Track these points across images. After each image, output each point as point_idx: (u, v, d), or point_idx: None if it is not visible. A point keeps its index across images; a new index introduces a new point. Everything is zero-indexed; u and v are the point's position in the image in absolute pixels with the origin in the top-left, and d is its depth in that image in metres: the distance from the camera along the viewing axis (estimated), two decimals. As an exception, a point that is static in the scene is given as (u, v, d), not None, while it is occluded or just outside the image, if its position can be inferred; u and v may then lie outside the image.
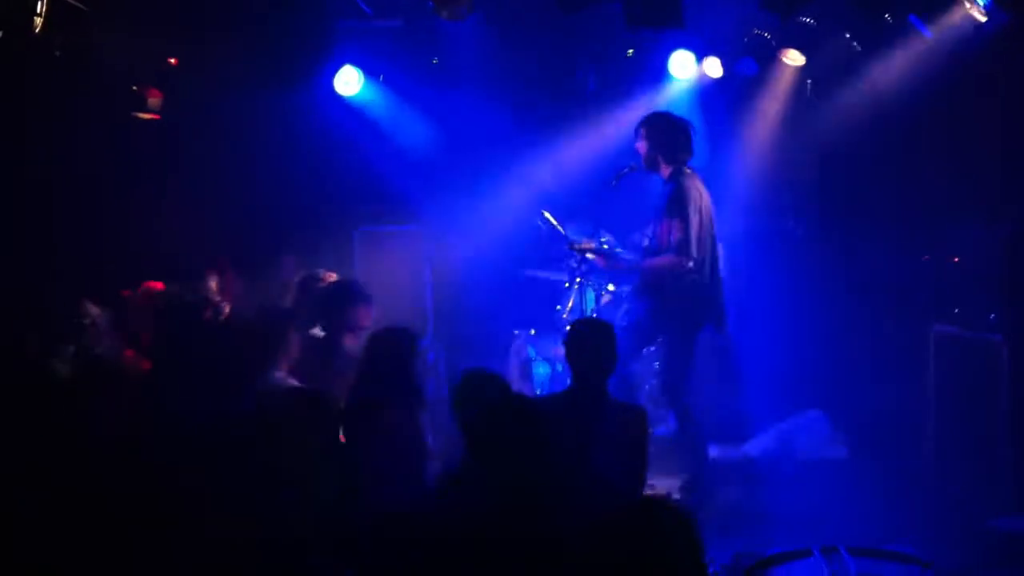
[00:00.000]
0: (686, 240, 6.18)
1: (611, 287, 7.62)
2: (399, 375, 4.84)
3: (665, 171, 6.40)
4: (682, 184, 6.27)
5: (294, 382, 5.07)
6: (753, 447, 7.38)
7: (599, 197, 7.18)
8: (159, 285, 6.34)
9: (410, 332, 5.05)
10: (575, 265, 7.29)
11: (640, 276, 6.61)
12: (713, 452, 6.83)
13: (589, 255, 6.92)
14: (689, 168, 6.41)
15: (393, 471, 4.44)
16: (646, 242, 6.62)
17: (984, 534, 5.69)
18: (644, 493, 4.71)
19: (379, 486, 4.25)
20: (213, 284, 7.00)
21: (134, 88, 7.47)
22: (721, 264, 6.50)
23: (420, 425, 4.82)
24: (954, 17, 6.64)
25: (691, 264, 6.21)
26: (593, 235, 7.18)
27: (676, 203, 6.23)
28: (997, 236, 6.69)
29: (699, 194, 6.31)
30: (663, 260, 6.31)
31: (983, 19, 6.50)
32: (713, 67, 8.02)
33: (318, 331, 5.95)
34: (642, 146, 6.45)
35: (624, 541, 2.74)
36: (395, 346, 4.94)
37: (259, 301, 6.39)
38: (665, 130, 6.41)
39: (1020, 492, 6.02)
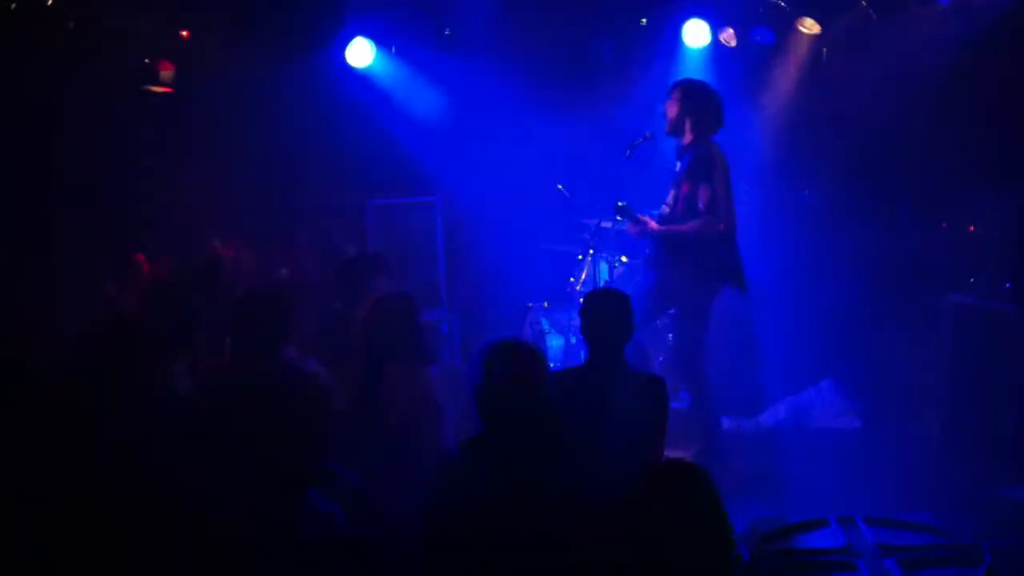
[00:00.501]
0: (715, 202, 6.15)
1: (624, 258, 7.61)
2: (404, 338, 4.83)
3: (688, 137, 6.37)
4: (706, 149, 6.25)
5: (310, 362, 5.05)
6: (767, 417, 7.39)
7: (613, 167, 7.16)
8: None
9: (410, 297, 5.04)
10: (588, 236, 7.30)
11: (658, 244, 6.55)
12: (727, 423, 6.84)
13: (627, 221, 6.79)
14: (717, 141, 6.39)
15: (405, 433, 4.44)
16: (666, 209, 6.57)
17: (996, 503, 5.71)
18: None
19: (392, 456, 4.27)
20: (221, 255, 7.00)
21: (146, 61, 7.46)
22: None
23: (429, 385, 4.80)
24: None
25: (722, 227, 6.17)
26: (609, 204, 7.16)
27: (702, 167, 6.20)
28: (1012, 204, 6.64)
29: (722, 160, 6.29)
30: (695, 224, 6.24)
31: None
32: (728, 36, 7.97)
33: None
34: (672, 108, 6.38)
35: (649, 503, 2.76)
36: (397, 311, 4.93)
37: (272, 275, 6.40)
38: (699, 97, 6.36)
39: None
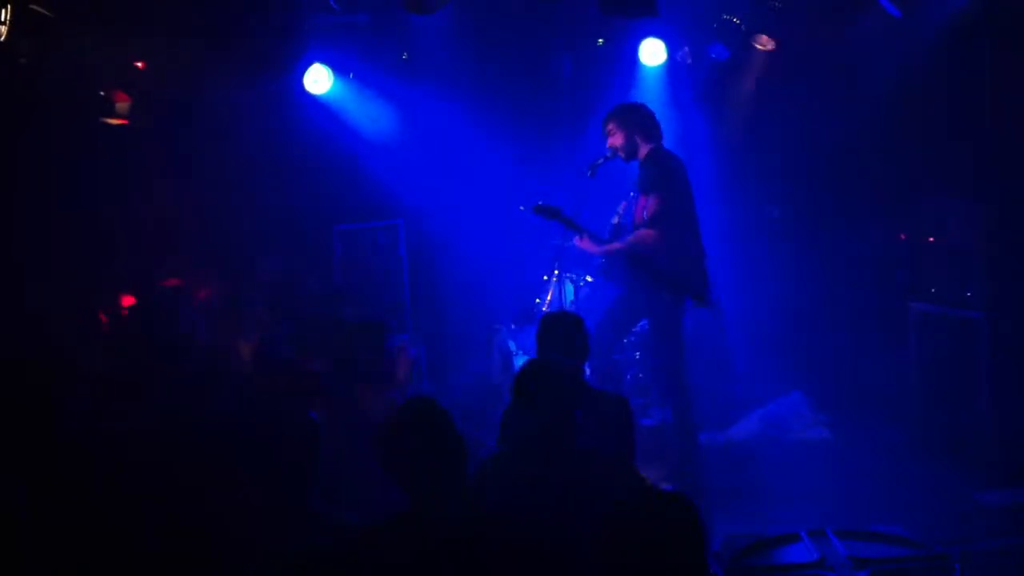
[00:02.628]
0: (661, 213, 6.20)
1: (589, 278, 7.61)
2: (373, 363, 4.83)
3: (643, 152, 6.43)
4: (660, 160, 6.33)
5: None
6: (738, 431, 7.40)
7: (576, 188, 7.18)
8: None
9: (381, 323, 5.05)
10: (553, 257, 7.30)
11: (617, 258, 6.58)
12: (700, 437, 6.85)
13: (574, 236, 6.83)
14: (668, 150, 6.47)
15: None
16: (616, 219, 6.61)
17: (968, 508, 5.75)
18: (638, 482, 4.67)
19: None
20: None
21: (101, 93, 7.38)
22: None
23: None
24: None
25: (663, 238, 6.20)
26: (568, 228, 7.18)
27: (655, 179, 6.29)
28: (972, 212, 6.72)
29: (679, 170, 6.34)
30: (639, 235, 6.32)
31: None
32: (683, 55, 8.04)
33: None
34: (617, 138, 6.48)
35: (634, 533, 2.75)
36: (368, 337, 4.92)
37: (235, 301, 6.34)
38: (635, 113, 6.49)
39: (1003, 466, 6.07)
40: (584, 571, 3.53)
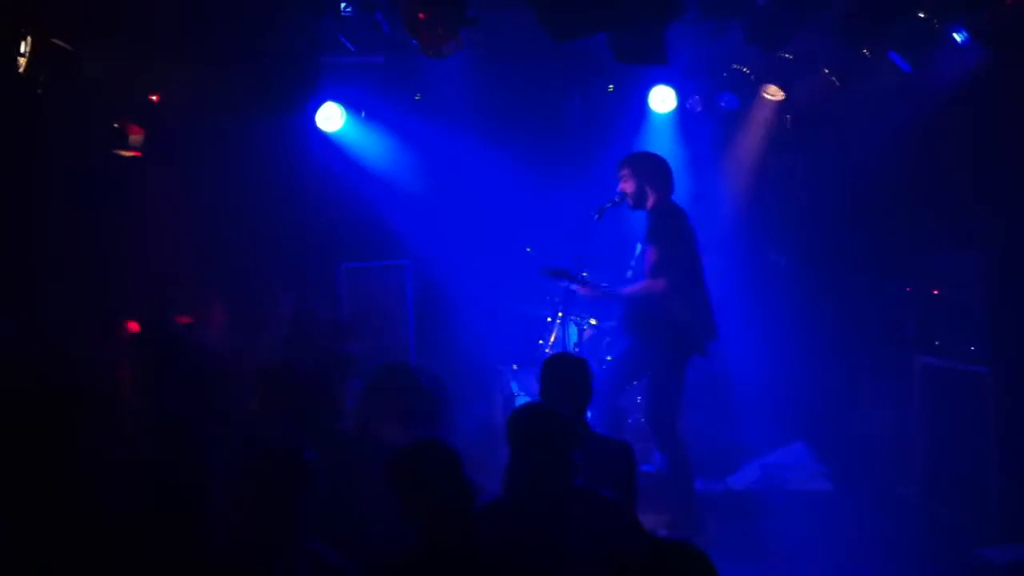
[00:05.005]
0: (660, 263, 6.31)
1: (593, 321, 7.63)
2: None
3: (650, 202, 6.52)
4: (664, 211, 6.45)
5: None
6: (738, 480, 7.37)
7: (583, 231, 7.23)
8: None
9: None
10: (558, 300, 7.32)
11: (625, 308, 6.70)
12: (697, 485, 6.81)
13: (574, 283, 6.91)
14: (673, 203, 6.56)
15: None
16: (629, 273, 6.70)
17: (973, 564, 5.71)
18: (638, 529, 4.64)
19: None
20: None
21: (115, 125, 7.45)
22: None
23: None
24: (934, 53, 6.68)
25: (662, 288, 6.28)
26: (575, 269, 7.22)
27: (654, 231, 6.41)
28: (976, 265, 6.74)
29: (677, 221, 6.45)
30: (637, 286, 6.44)
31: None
32: (694, 103, 8.10)
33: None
34: (629, 184, 6.59)
35: None
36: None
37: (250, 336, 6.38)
38: (650, 163, 6.62)
39: (1007, 521, 6.03)
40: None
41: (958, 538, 6.00)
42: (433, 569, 3.32)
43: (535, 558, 3.53)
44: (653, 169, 6.57)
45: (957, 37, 6.49)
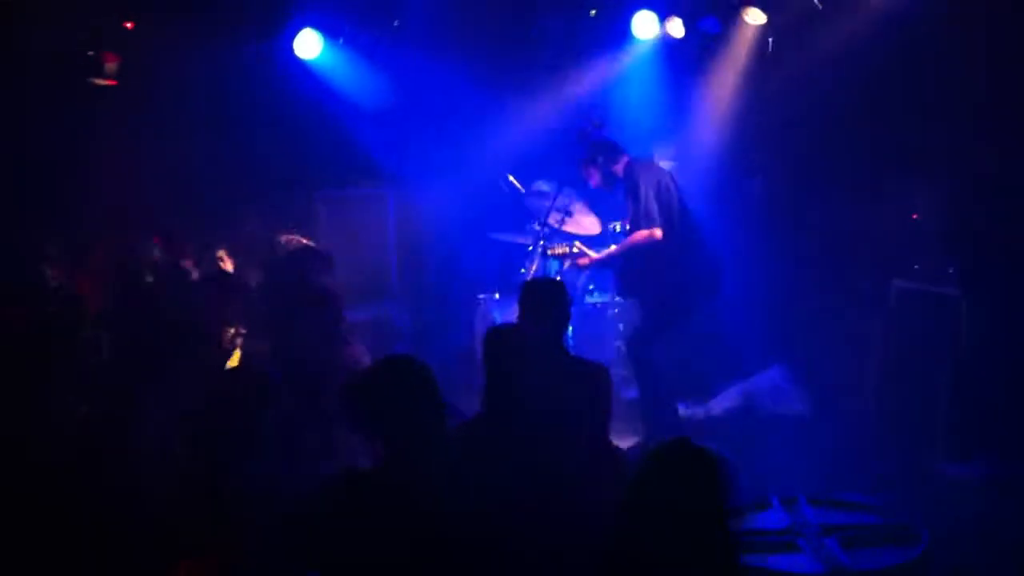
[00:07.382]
0: (646, 210, 6.46)
1: (578, 244, 7.64)
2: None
3: (619, 170, 6.74)
4: (632, 172, 6.64)
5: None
6: (716, 405, 7.46)
7: (563, 156, 7.24)
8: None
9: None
10: (539, 228, 7.34)
11: (623, 268, 7.01)
12: (680, 409, 6.90)
13: (567, 260, 7.23)
14: (638, 158, 6.80)
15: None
16: (626, 226, 6.87)
17: (932, 480, 5.84)
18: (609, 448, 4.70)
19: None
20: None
21: (90, 53, 7.37)
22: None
23: None
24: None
25: (659, 231, 6.43)
26: (556, 194, 7.23)
27: (630, 184, 6.59)
28: (947, 193, 6.78)
29: (652, 174, 6.62)
30: (634, 236, 6.56)
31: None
32: (675, 27, 8.03)
33: None
34: (594, 177, 6.84)
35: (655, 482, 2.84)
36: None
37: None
38: (600, 148, 6.82)
39: (962, 439, 6.15)
40: (552, 538, 3.59)
41: (920, 456, 6.14)
42: (398, 485, 3.26)
43: (502, 477, 3.57)
44: (599, 150, 6.78)
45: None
